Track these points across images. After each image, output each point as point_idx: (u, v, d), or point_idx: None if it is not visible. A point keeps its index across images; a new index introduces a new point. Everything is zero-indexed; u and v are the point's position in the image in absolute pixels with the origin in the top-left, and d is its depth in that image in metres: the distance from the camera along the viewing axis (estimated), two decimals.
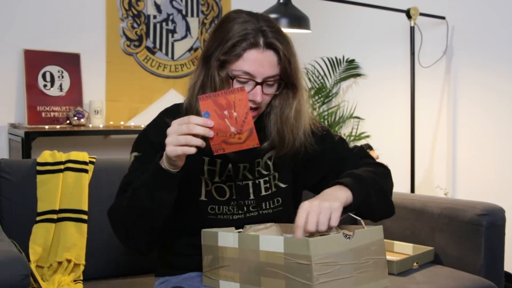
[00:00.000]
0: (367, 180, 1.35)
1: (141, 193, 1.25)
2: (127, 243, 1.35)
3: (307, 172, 1.50)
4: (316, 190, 1.50)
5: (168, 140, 1.19)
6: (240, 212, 1.42)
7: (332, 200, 1.23)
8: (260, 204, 1.43)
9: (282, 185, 1.46)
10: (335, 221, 1.21)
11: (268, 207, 1.44)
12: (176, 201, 1.39)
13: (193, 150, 1.18)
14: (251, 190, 1.43)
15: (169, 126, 1.31)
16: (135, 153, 1.41)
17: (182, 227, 1.43)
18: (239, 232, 1.34)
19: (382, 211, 1.42)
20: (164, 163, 1.23)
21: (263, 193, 1.44)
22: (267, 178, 1.44)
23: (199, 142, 1.18)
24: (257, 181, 1.43)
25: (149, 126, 1.46)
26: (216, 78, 1.32)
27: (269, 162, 1.45)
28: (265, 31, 1.31)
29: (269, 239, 1.19)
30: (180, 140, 1.17)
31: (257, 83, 1.30)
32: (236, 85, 1.31)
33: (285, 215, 1.46)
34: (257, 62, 1.30)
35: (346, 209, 1.28)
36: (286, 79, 1.34)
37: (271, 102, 1.37)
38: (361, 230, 1.21)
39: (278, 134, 1.38)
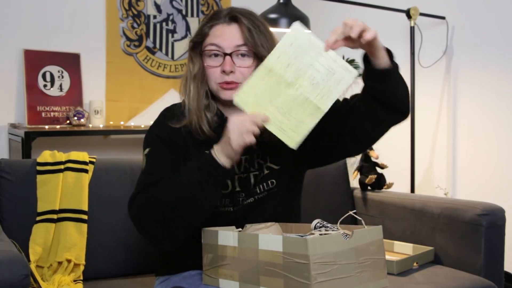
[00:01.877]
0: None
1: (194, 189, 1.26)
2: (155, 238, 1.32)
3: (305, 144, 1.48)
4: (318, 157, 1.50)
5: (233, 134, 1.23)
6: (240, 202, 1.44)
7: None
8: (255, 189, 1.44)
9: (275, 167, 1.47)
10: (369, 35, 1.23)
11: (262, 190, 1.45)
12: None
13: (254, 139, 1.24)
14: (252, 181, 1.44)
15: (170, 127, 1.40)
16: (146, 150, 1.42)
17: None
18: (239, 231, 1.34)
19: (405, 100, 1.41)
20: (219, 158, 1.26)
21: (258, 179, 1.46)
22: (262, 166, 1.46)
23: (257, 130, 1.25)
24: (257, 172, 1.45)
25: (153, 126, 1.48)
26: (190, 63, 1.42)
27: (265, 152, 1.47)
28: (232, 10, 1.41)
29: (268, 238, 1.20)
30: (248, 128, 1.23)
31: (225, 54, 1.38)
32: (206, 59, 1.40)
33: (281, 197, 1.47)
34: (222, 34, 1.39)
35: (378, 73, 1.31)
36: (255, 50, 1.39)
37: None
38: (360, 230, 1.21)
39: None
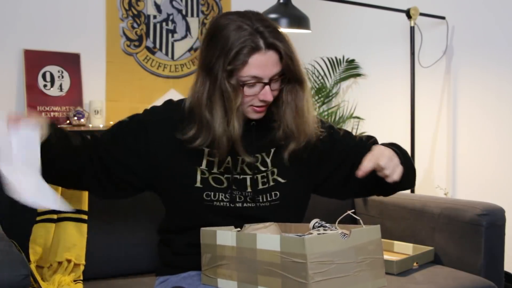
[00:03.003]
0: (406, 155, 1.51)
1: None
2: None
3: (318, 168, 1.53)
4: (325, 186, 1.57)
5: None
6: (237, 201, 1.43)
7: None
8: (257, 196, 1.44)
9: (281, 180, 1.47)
10: (397, 176, 1.37)
11: (265, 200, 1.45)
12: (171, 189, 1.45)
13: None
14: (248, 184, 1.44)
15: (172, 120, 1.42)
16: (118, 121, 1.51)
17: (181, 218, 1.45)
18: (237, 231, 1.34)
19: (410, 184, 1.59)
20: None
21: (260, 186, 1.45)
22: (264, 174, 1.46)
23: None
24: (254, 176, 1.45)
25: (150, 108, 1.52)
26: (227, 88, 1.34)
27: (266, 159, 1.46)
28: (262, 32, 1.34)
29: (266, 237, 1.20)
30: None
31: (265, 84, 1.36)
32: (246, 89, 1.36)
33: (282, 210, 1.47)
34: (262, 65, 1.35)
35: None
36: (290, 75, 1.39)
37: (283, 98, 1.43)
38: (358, 229, 1.21)
39: (297, 127, 1.44)
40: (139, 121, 1.47)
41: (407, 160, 1.48)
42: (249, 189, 1.44)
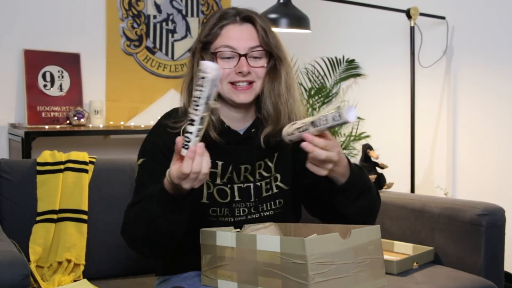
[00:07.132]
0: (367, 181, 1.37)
1: (156, 221, 1.24)
2: (139, 253, 1.40)
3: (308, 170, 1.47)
4: (313, 189, 1.46)
5: (184, 183, 1.16)
6: (241, 214, 1.42)
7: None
8: (261, 205, 1.43)
9: (285, 187, 1.46)
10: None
11: (269, 208, 1.44)
12: None
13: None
14: (252, 193, 1.43)
15: (169, 127, 1.36)
16: (140, 160, 1.40)
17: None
18: (237, 231, 1.34)
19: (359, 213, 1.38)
20: (170, 190, 1.21)
21: (264, 194, 1.44)
22: (268, 180, 1.44)
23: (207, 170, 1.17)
24: (258, 183, 1.43)
25: (150, 132, 1.46)
26: (197, 63, 1.34)
27: (270, 164, 1.44)
28: (241, 11, 1.39)
29: (266, 238, 1.19)
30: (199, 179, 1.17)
31: (240, 55, 1.35)
32: (220, 61, 1.35)
33: (285, 217, 1.46)
34: (236, 34, 1.36)
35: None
36: (269, 50, 1.37)
37: (264, 79, 1.39)
38: (358, 230, 1.21)
39: (274, 109, 1.39)
40: (154, 146, 1.40)
41: (362, 178, 1.36)
42: (252, 199, 1.43)
